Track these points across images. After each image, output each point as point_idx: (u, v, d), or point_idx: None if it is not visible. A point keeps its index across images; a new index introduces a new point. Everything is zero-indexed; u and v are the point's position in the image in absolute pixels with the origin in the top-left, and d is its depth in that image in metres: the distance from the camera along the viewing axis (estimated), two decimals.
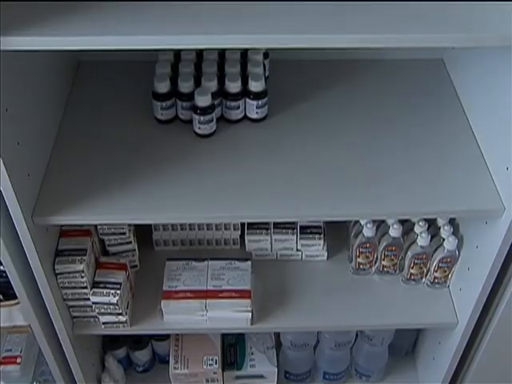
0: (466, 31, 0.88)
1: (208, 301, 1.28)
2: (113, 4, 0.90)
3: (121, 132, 1.23)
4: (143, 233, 1.40)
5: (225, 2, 0.90)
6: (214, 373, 1.50)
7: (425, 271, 1.35)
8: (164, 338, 1.58)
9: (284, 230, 1.38)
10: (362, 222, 1.30)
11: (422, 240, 1.28)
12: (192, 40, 0.87)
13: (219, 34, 0.86)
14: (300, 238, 1.39)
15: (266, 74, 1.29)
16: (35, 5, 0.89)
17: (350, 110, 1.28)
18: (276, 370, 1.53)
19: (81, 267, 1.19)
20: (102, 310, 1.25)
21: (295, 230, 1.39)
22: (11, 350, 1.42)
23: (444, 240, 1.28)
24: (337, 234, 1.43)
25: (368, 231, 1.29)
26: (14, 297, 1.19)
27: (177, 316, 1.30)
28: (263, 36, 0.86)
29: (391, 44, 0.88)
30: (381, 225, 1.33)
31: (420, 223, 1.28)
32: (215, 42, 0.87)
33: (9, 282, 1.15)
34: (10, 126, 0.97)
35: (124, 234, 1.31)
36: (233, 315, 1.29)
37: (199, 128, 1.19)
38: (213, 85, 1.19)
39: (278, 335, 1.56)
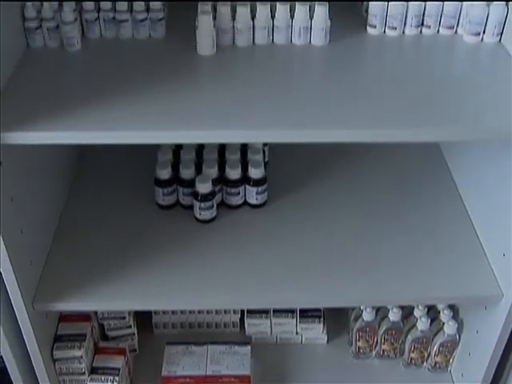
0: (464, 125, 0.91)
1: None
2: (114, 99, 0.93)
3: (122, 217, 1.25)
4: (143, 316, 1.39)
5: (225, 98, 0.94)
6: None
7: (425, 355, 1.34)
8: None
9: (284, 314, 1.38)
10: (362, 307, 1.31)
11: (422, 324, 1.28)
12: (193, 136, 0.90)
13: (219, 129, 0.89)
14: (300, 322, 1.39)
15: (266, 160, 1.32)
16: (38, 101, 0.93)
17: (348, 195, 1.31)
18: None
19: (79, 353, 1.19)
20: None
21: (295, 314, 1.39)
22: None
23: (444, 324, 1.28)
24: (337, 317, 1.43)
25: (368, 315, 1.29)
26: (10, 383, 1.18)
27: None
28: (264, 132, 0.89)
29: (387, 139, 0.91)
30: (380, 309, 1.33)
31: (419, 307, 1.29)
32: (216, 138, 0.91)
33: (5, 368, 1.14)
34: (15, 214, 1.00)
35: (124, 318, 1.31)
36: None
37: (200, 214, 1.21)
38: (213, 171, 1.22)
39: None
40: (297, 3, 1.05)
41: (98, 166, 1.38)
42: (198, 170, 1.24)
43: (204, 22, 1.02)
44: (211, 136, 0.90)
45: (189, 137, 0.91)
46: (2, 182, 0.94)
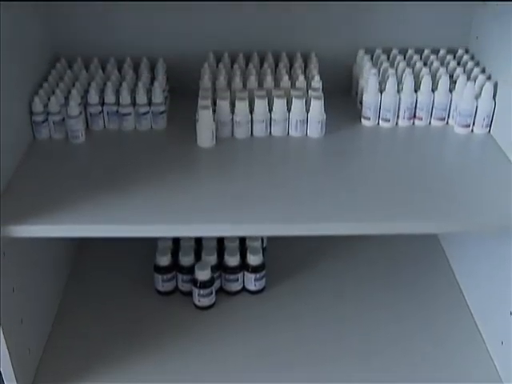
0: (461, 218, 0.93)
1: None
2: (115, 192, 0.96)
3: (121, 304, 1.25)
4: None
5: (224, 191, 0.97)
6: None
7: None
8: None
9: None
10: None
11: None
12: (193, 230, 0.93)
13: (218, 223, 0.91)
14: None
15: (264, 246, 1.34)
16: (41, 194, 0.96)
17: (345, 282, 1.31)
18: None
19: None
20: None
21: None
22: None
23: None
24: None
25: None
26: None
27: None
28: (262, 226, 0.91)
29: (385, 231, 0.93)
30: None
31: None
32: (215, 232, 0.93)
33: None
34: (16, 305, 1.00)
35: None
36: None
37: (199, 301, 1.22)
38: (212, 259, 1.23)
39: None
40: (293, 97, 1.10)
41: (98, 252, 1.39)
42: (198, 256, 1.25)
43: (204, 117, 1.06)
44: (210, 230, 0.92)
45: (188, 231, 0.93)
46: (4, 273, 0.95)
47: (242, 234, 0.91)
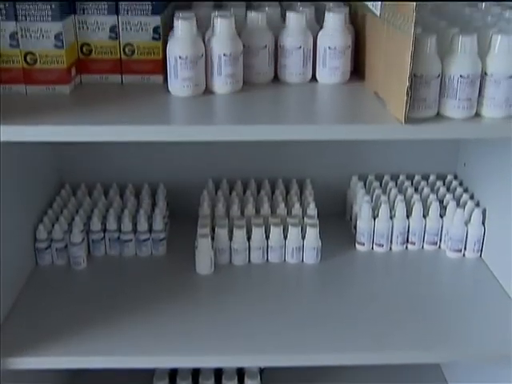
0: (461, 347, 0.95)
1: None
2: (113, 321, 0.98)
3: None
4: None
5: (222, 320, 0.98)
6: None
7: None
8: None
9: None
10: None
11: None
12: (190, 361, 0.94)
13: (217, 355, 0.92)
14: None
15: (262, 368, 1.32)
16: (41, 324, 0.98)
17: None
18: None
19: None
20: None
21: None
22: None
23: None
24: None
25: None
26: None
27: None
28: (260, 357, 0.92)
29: (382, 361, 0.95)
30: None
31: None
32: (213, 363, 0.94)
33: None
34: None
35: None
36: None
37: None
38: (210, 383, 1.22)
39: None
40: (290, 225, 1.14)
41: (95, 377, 1.37)
42: (195, 381, 1.24)
43: (203, 245, 1.10)
44: (209, 362, 0.93)
45: (185, 362, 0.94)
46: None
47: (242, 365, 0.92)
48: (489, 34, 0.84)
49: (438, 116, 0.83)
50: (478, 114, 0.83)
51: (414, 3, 0.75)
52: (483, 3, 1.10)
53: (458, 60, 0.81)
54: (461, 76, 0.81)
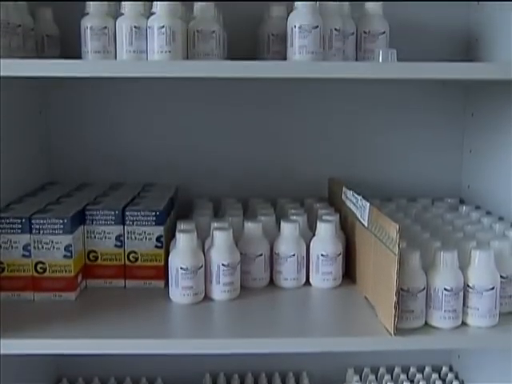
0: None
1: None
2: None
3: None
4: None
5: None
6: None
7: None
8: None
9: None
10: None
11: None
12: None
13: None
14: None
15: None
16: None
17: None
18: None
19: None
20: None
21: None
22: None
23: None
24: None
25: None
26: None
27: None
28: None
29: None
30: None
31: None
32: None
33: None
34: None
35: None
36: None
37: None
38: None
39: None
40: None
41: None
42: None
43: None
44: None
45: None
46: None
47: None
48: (469, 246, 0.91)
49: (426, 326, 0.87)
50: (464, 323, 0.88)
51: (398, 226, 0.82)
52: (463, 207, 1.19)
53: (441, 274, 0.87)
54: (445, 289, 0.86)
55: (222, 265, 0.95)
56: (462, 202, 1.28)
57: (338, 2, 1.00)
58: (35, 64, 0.82)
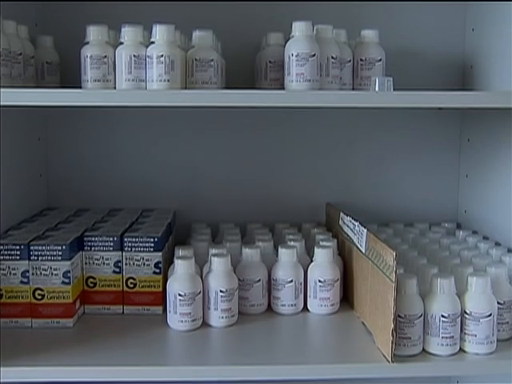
0: None
1: None
2: None
3: None
4: None
5: None
6: None
7: None
8: None
9: None
10: None
11: None
12: None
13: None
14: None
15: None
16: None
17: None
18: None
19: None
20: None
21: None
22: None
23: None
24: None
25: None
26: None
27: None
28: None
29: None
30: None
31: None
32: None
33: None
34: None
35: None
36: None
37: None
38: None
39: None
40: None
41: None
42: None
43: None
44: None
45: None
46: None
47: None
48: (466, 273, 0.91)
49: (424, 352, 0.87)
50: (461, 349, 0.88)
51: (395, 253, 0.82)
52: (460, 232, 1.20)
53: (438, 300, 0.87)
54: (442, 316, 0.86)
55: (220, 291, 0.95)
56: (459, 226, 1.29)
57: (334, 30, 1.02)
58: (36, 93, 0.83)
